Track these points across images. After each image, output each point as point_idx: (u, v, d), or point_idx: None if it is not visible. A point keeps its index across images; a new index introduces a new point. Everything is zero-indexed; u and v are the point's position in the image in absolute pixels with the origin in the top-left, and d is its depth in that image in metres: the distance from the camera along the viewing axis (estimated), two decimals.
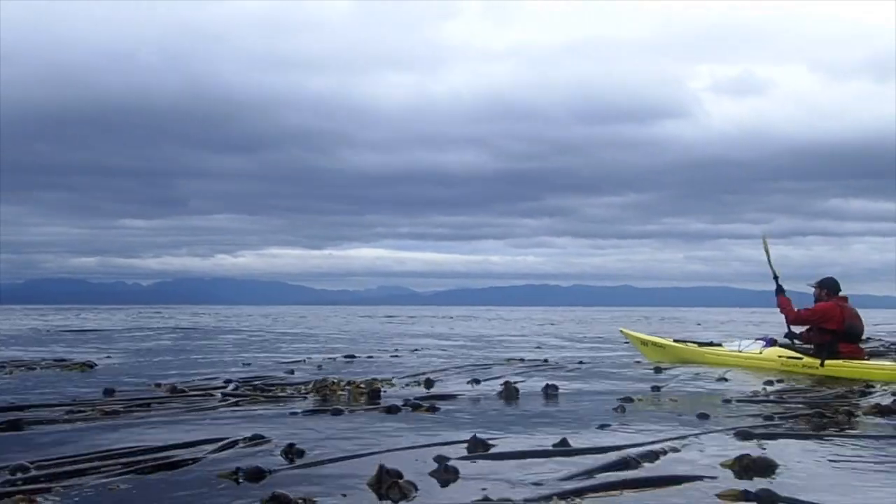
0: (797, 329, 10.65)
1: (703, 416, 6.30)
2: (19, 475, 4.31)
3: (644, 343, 13.69)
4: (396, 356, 12.53)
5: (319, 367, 10.34)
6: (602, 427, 5.77)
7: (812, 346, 10.29)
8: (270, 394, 7.88)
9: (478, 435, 4.94)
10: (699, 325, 35.01)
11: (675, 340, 13.30)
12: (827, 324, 10.09)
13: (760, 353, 11.05)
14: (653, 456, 4.68)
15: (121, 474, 4.32)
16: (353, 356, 12.41)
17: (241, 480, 4.18)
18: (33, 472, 4.36)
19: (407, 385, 8.68)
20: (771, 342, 11.15)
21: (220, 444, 5.08)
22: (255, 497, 3.74)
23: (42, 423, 6.09)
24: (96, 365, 10.80)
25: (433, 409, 6.46)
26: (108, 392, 7.87)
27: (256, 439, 5.20)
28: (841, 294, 10.38)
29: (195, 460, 4.67)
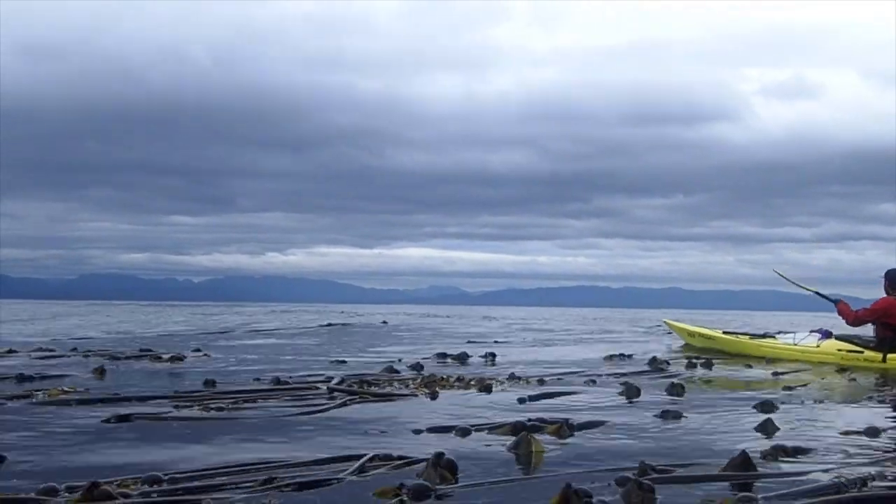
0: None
1: (873, 432, 5.60)
2: (155, 488, 4.05)
3: (691, 335, 13.19)
4: (492, 356, 12.17)
5: (418, 365, 10.03)
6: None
7: (874, 340, 10.01)
8: (377, 389, 7.57)
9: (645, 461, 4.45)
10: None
11: (724, 332, 12.78)
12: (888, 319, 9.85)
13: (818, 346, 10.72)
14: (861, 483, 4.07)
15: (263, 490, 4.03)
16: (446, 354, 12.05)
17: (405, 499, 3.82)
18: (167, 486, 4.11)
19: (513, 383, 8.24)
20: (827, 334, 10.89)
21: (359, 462, 4.61)
22: None
23: (150, 419, 5.90)
24: (185, 357, 10.65)
25: (567, 430, 5.66)
26: (209, 383, 7.65)
27: (392, 459, 4.80)
28: None
29: (336, 480, 4.30)
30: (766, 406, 6.59)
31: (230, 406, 6.48)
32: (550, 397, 7.26)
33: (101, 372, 8.86)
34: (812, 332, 11.29)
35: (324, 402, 6.79)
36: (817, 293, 11.19)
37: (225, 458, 4.63)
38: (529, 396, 7.20)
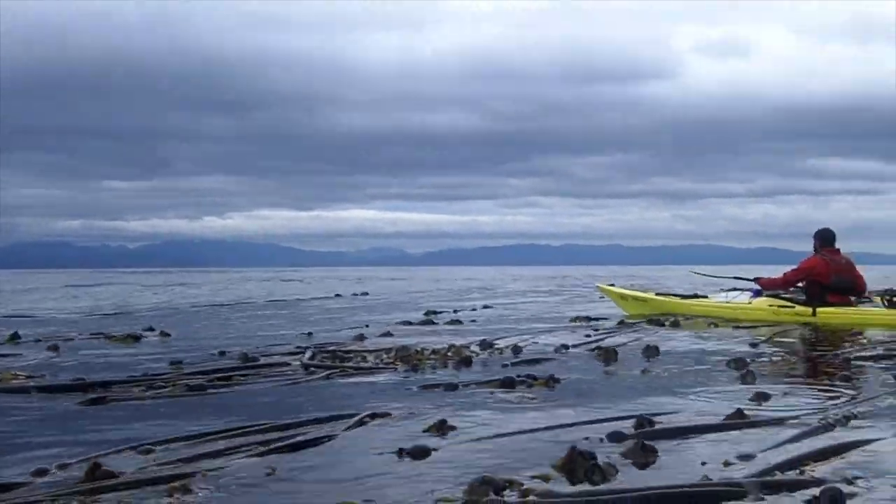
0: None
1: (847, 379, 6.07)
2: (151, 457, 3.97)
3: (624, 298, 13.59)
4: (458, 322, 12.13)
5: (387, 334, 9.93)
6: (760, 397, 5.35)
7: (803, 296, 10.68)
8: (352, 363, 7.45)
9: (643, 415, 4.64)
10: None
11: (657, 294, 13.38)
12: (817, 277, 10.46)
13: (750, 303, 11.19)
14: (845, 420, 4.51)
15: (263, 454, 4.03)
16: (409, 322, 11.94)
17: (403, 458, 3.91)
18: (159, 453, 4.04)
19: (488, 352, 8.20)
20: (758, 292, 11.26)
21: (354, 419, 4.72)
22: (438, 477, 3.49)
23: (126, 401, 5.78)
24: (142, 337, 10.26)
25: (553, 382, 6.03)
26: (176, 363, 7.46)
27: (384, 416, 4.94)
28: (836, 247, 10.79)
29: (330, 437, 4.39)
30: (740, 363, 6.95)
31: (205, 384, 6.32)
32: (530, 364, 7.36)
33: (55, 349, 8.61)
34: (743, 290, 11.73)
35: (300, 377, 6.68)
36: (736, 278, 11.76)
37: (211, 427, 4.62)
38: (512, 362, 7.41)
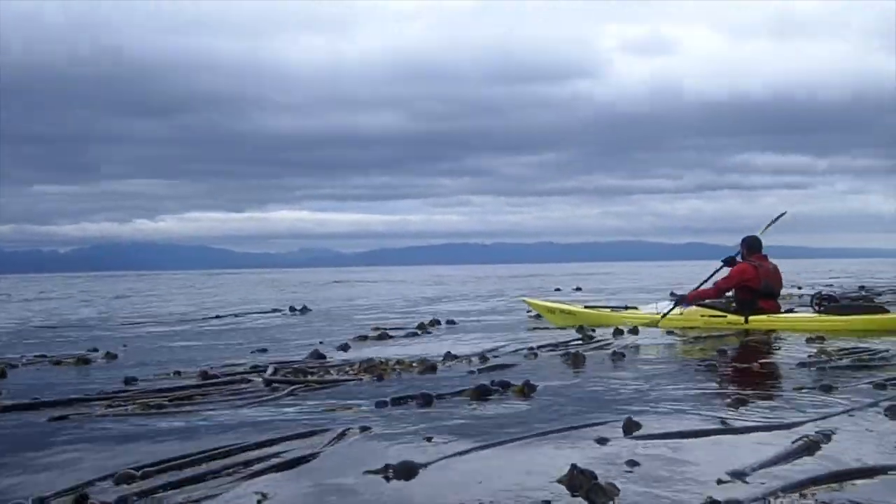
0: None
1: (826, 389, 6.08)
2: (132, 485, 3.83)
3: (551, 311, 13.48)
4: (415, 333, 12.03)
5: (344, 346, 9.80)
6: (738, 403, 5.41)
7: (733, 304, 10.95)
8: (317, 377, 7.28)
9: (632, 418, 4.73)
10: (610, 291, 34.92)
11: (586, 306, 13.38)
12: (747, 283, 10.74)
13: (681, 313, 11.30)
14: (827, 437, 4.47)
15: (249, 477, 3.97)
16: (365, 336, 11.74)
17: (391, 478, 3.87)
18: (140, 481, 3.91)
19: (450, 362, 8.11)
20: (680, 299, 11.53)
21: (336, 434, 4.68)
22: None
23: (89, 421, 5.59)
24: (92, 361, 9.70)
25: (529, 390, 5.99)
26: (130, 381, 7.27)
27: (364, 430, 4.90)
28: (763, 253, 11.09)
29: (314, 455, 4.33)
30: (709, 368, 7.25)
31: (167, 402, 6.14)
32: (499, 368, 7.45)
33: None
34: (672, 298, 11.96)
35: (265, 394, 6.50)
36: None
37: (185, 449, 4.50)
38: (479, 369, 7.46)
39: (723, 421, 4.72)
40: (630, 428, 4.52)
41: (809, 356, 7.79)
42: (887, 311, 10.44)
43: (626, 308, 12.66)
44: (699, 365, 7.38)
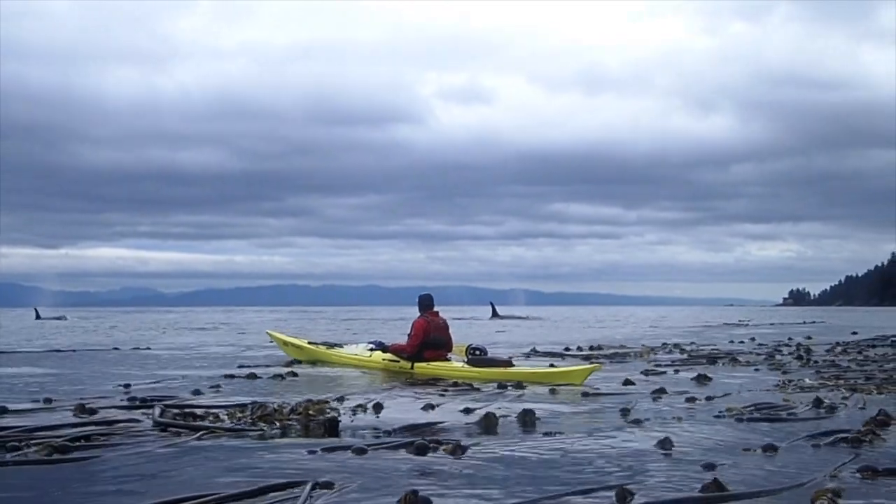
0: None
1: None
2: None
3: (286, 343, 16.12)
4: (280, 376, 11.65)
5: (219, 388, 9.33)
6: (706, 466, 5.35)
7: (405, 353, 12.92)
8: (208, 421, 6.87)
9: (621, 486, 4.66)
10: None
11: (309, 342, 15.70)
12: (432, 332, 12.60)
13: (370, 356, 13.63)
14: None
15: None
16: (234, 376, 11.21)
17: None
18: None
19: (351, 412, 7.78)
20: (379, 345, 13.67)
21: (304, 491, 4.41)
22: None
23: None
24: None
25: (460, 450, 5.76)
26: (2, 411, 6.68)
27: (328, 486, 4.68)
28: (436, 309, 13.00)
29: None
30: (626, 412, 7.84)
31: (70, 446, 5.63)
32: (410, 430, 6.98)
33: None
34: (369, 342, 14.15)
35: (155, 438, 6.05)
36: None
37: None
38: (387, 431, 6.96)
39: (717, 482, 4.57)
40: (624, 497, 4.39)
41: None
42: (513, 365, 12.38)
43: (335, 346, 15.02)
44: (623, 407, 7.40)
